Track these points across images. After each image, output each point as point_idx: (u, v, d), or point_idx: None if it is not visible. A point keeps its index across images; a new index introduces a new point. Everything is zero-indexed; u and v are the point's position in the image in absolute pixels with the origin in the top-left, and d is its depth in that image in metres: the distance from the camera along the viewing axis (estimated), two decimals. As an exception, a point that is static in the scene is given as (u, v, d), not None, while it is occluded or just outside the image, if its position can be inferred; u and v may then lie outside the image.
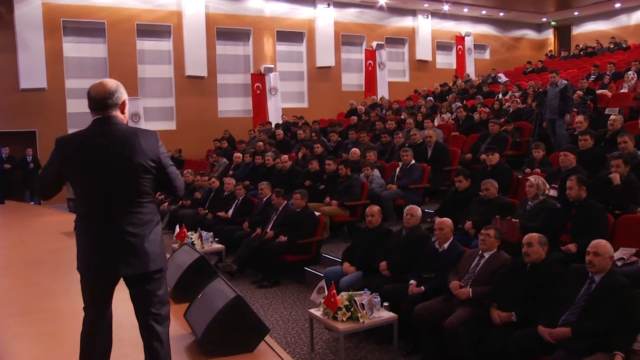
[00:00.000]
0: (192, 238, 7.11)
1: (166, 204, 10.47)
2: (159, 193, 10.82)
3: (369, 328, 4.49)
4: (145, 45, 15.57)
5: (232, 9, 16.55)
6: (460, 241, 5.09)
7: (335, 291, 4.38)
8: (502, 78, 16.26)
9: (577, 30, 22.46)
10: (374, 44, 18.49)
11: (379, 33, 19.16)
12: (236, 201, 8.53)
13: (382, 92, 17.97)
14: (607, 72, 12.55)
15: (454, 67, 20.78)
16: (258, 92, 16.55)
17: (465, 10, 20.53)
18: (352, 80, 18.90)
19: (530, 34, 23.55)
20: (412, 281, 4.82)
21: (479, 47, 21.84)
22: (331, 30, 17.98)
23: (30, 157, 13.10)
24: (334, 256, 6.88)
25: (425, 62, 20.29)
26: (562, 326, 3.57)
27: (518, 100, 11.28)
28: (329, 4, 17.85)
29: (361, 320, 4.31)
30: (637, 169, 5.46)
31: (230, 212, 8.48)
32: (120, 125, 2.68)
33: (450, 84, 16.61)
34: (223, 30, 16.46)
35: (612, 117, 7.24)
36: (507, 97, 12.41)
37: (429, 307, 4.44)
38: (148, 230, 2.69)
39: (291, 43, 17.84)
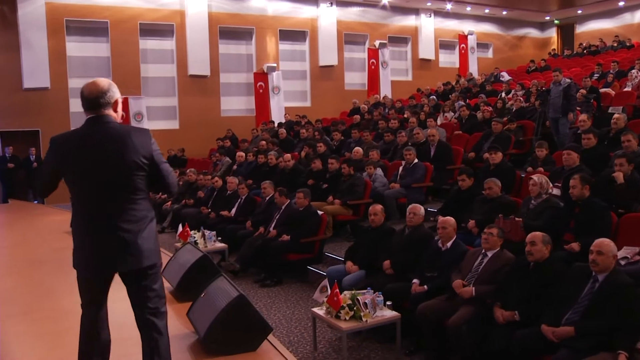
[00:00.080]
0: (195, 237, 7.11)
1: (169, 203, 10.49)
2: (160, 193, 10.92)
3: (372, 327, 4.49)
4: (148, 44, 15.59)
5: (235, 8, 16.55)
6: (463, 240, 5.08)
7: (338, 290, 4.37)
8: (505, 77, 16.22)
9: (580, 29, 22.39)
10: (377, 42, 18.47)
11: (381, 32, 19.15)
12: (239, 200, 8.53)
13: (385, 91, 17.96)
14: (611, 71, 12.51)
15: (457, 65, 20.76)
16: (261, 91, 16.56)
17: (468, 8, 20.49)
18: (355, 79, 18.90)
19: (533, 32, 23.49)
20: (415, 280, 4.81)
21: (482, 45, 21.81)
22: (334, 29, 17.97)
23: (34, 157, 13.14)
24: (336, 255, 6.88)
25: (428, 61, 20.26)
26: (566, 325, 3.56)
27: (521, 99, 11.26)
28: (331, 3, 17.84)
29: (364, 319, 4.30)
30: (640, 167, 5.44)
31: (233, 211, 8.48)
32: (113, 123, 2.73)
33: (453, 83, 16.57)
34: (226, 30, 16.47)
35: (615, 115, 7.22)
36: (510, 95, 12.40)
37: (432, 306, 4.43)
38: (142, 226, 2.73)
39: (294, 42, 17.84)
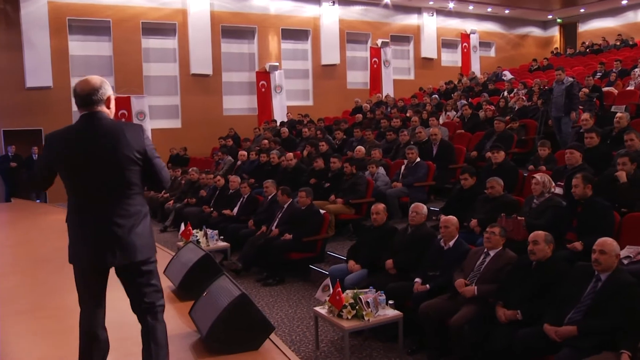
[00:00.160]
0: (197, 236, 7.13)
1: (171, 202, 10.50)
2: (164, 191, 10.94)
3: (374, 326, 4.49)
4: (151, 43, 15.62)
5: (237, 6, 16.56)
6: (465, 239, 5.08)
7: (340, 289, 4.37)
8: (508, 76, 16.19)
9: (583, 28, 22.36)
10: (379, 41, 18.47)
11: (384, 31, 19.14)
12: (241, 199, 8.54)
13: (387, 89, 17.97)
14: (614, 70, 12.48)
15: (459, 64, 20.74)
16: (263, 90, 16.57)
17: (471, 7, 20.48)
18: (357, 78, 18.89)
19: (535, 31, 23.46)
20: (417, 279, 4.81)
21: (485, 44, 21.79)
22: (336, 28, 17.97)
23: (36, 156, 13.15)
24: (339, 254, 6.88)
25: (431, 59, 20.25)
26: (568, 325, 3.55)
27: (523, 97, 11.25)
28: (334, 2, 17.84)
29: (366, 318, 4.30)
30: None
31: (236, 210, 8.48)
32: (106, 119, 2.77)
33: (456, 82, 16.56)
34: (228, 28, 16.48)
35: (618, 114, 7.20)
36: (513, 94, 12.37)
37: (434, 305, 4.43)
38: (136, 221, 2.77)
39: (296, 41, 17.84)
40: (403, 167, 8.28)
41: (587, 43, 19.39)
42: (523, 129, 9.43)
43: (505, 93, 12.83)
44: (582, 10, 21.67)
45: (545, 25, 23.57)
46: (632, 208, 4.92)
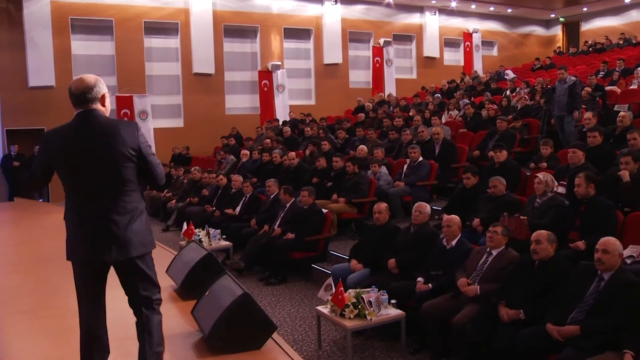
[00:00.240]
0: (199, 235, 7.13)
1: (174, 201, 10.51)
2: (166, 190, 10.95)
3: (377, 325, 4.48)
4: (153, 42, 15.62)
5: (239, 6, 16.56)
6: (468, 238, 5.07)
7: (342, 288, 4.37)
8: (510, 75, 16.17)
9: (585, 26, 22.30)
10: (382, 41, 18.45)
11: (386, 30, 19.11)
12: (244, 198, 8.54)
13: (390, 89, 17.95)
14: (617, 69, 12.46)
15: (462, 64, 20.69)
16: (265, 89, 16.56)
17: (473, 6, 20.45)
18: (360, 77, 18.88)
19: (538, 30, 23.41)
20: (419, 278, 4.80)
21: (487, 43, 21.74)
22: (338, 27, 17.95)
23: (38, 155, 13.18)
24: (341, 253, 6.87)
25: (433, 59, 20.22)
26: (571, 324, 3.55)
27: (526, 97, 11.23)
28: (336, 1, 17.82)
29: (369, 318, 4.30)
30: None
31: (238, 209, 8.49)
32: (101, 117, 2.80)
33: (458, 81, 16.53)
34: (230, 28, 16.48)
35: (621, 113, 7.19)
36: (515, 94, 12.35)
37: (436, 305, 4.42)
38: (132, 217, 2.79)
39: (298, 40, 17.84)
40: (405, 166, 8.28)
41: (589, 42, 19.34)
42: (525, 128, 9.42)
43: (508, 92, 12.81)
44: (584, 9, 21.62)
45: (547, 24, 23.52)
46: (635, 207, 4.90)
